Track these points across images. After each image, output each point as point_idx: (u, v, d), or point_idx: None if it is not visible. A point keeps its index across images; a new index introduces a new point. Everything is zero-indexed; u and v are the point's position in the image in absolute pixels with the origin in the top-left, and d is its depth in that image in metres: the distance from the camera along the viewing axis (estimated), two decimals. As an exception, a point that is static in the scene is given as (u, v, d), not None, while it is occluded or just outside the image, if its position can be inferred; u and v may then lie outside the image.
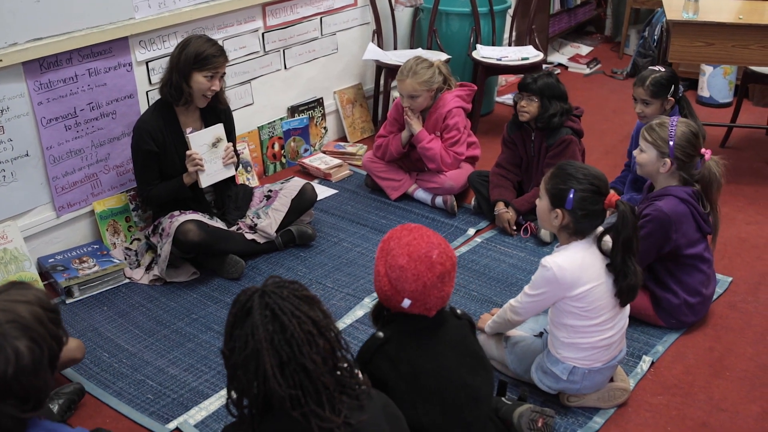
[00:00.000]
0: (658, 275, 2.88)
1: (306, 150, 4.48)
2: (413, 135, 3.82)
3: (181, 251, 3.23)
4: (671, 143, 2.76)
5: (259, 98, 4.18)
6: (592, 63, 6.16)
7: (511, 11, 5.26)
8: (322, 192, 4.02)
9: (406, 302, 1.94)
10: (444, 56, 4.50)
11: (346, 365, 1.66)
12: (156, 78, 3.49)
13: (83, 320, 3.03)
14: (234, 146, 3.41)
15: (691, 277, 2.86)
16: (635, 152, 2.92)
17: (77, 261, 3.25)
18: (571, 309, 2.36)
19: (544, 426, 2.33)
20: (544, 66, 4.72)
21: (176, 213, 3.27)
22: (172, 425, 2.49)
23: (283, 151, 4.37)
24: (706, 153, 2.79)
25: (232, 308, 1.64)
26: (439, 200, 3.88)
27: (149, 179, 3.28)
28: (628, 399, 2.58)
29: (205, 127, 3.33)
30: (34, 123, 3.14)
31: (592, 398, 2.53)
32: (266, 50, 4.13)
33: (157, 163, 3.26)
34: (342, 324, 2.98)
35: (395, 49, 4.83)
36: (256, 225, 3.46)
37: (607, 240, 2.37)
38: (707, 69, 5.22)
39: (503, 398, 2.43)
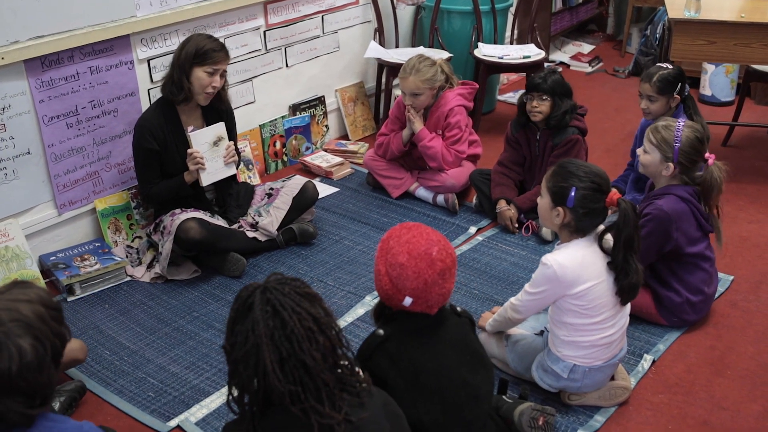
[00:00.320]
0: (660, 274, 2.88)
1: (307, 148, 4.48)
2: (414, 133, 3.82)
3: (182, 249, 3.23)
4: (676, 148, 2.75)
5: (261, 96, 4.19)
6: (593, 61, 6.15)
7: (512, 9, 5.26)
8: (324, 190, 4.02)
9: (408, 300, 1.94)
10: (446, 54, 4.49)
11: (346, 363, 1.67)
12: (158, 76, 3.49)
13: (84, 318, 3.04)
14: (235, 145, 3.41)
15: (693, 275, 2.86)
16: (639, 151, 2.91)
17: (79, 259, 3.26)
18: (572, 307, 2.35)
19: (545, 424, 2.33)
20: (545, 64, 4.71)
21: (178, 211, 3.27)
22: (173, 423, 2.49)
23: (284, 149, 4.37)
24: (710, 158, 2.77)
25: (234, 304, 1.64)
26: (440, 199, 3.88)
27: (150, 177, 3.28)
28: (629, 397, 2.58)
29: (207, 125, 3.33)
30: (36, 121, 3.14)
31: (593, 397, 2.53)
32: (268, 48, 4.13)
33: (158, 162, 3.26)
34: (343, 322, 2.98)
35: (397, 47, 4.83)
36: (257, 223, 3.46)
37: (608, 238, 2.37)
38: (709, 67, 5.22)
39: (504, 396, 2.43)
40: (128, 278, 3.30)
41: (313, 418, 1.56)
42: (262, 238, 3.44)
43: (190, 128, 3.26)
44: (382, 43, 4.68)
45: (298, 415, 1.56)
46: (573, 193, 2.32)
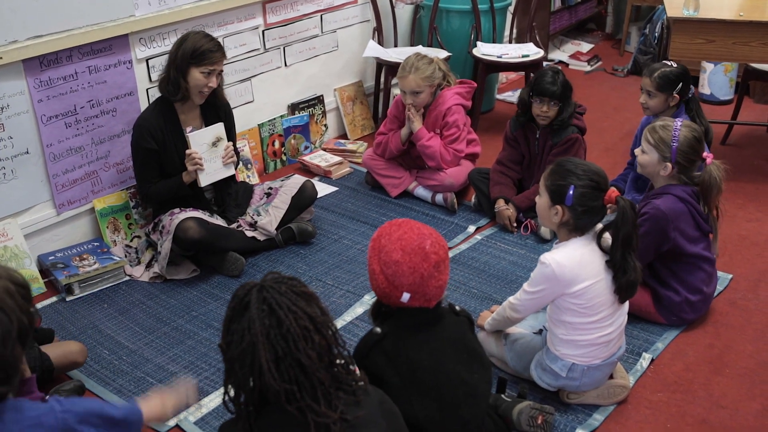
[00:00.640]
0: (659, 273, 2.88)
1: (306, 147, 4.48)
2: (413, 132, 3.82)
3: (181, 248, 3.23)
4: (674, 147, 2.75)
5: (260, 96, 4.18)
6: (592, 60, 6.15)
7: (511, 8, 5.26)
8: (323, 189, 4.02)
9: (406, 296, 1.94)
10: (444, 53, 4.49)
11: (342, 362, 1.67)
12: (156, 75, 3.49)
13: (83, 317, 3.04)
14: (234, 144, 3.41)
15: (692, 275, 2.85)
16: (637, 151, 2.91)
17: (77, 258, 3.26)
18: (570, 306, 2.35)
19: (544, 423, 2.33)
20: (544, 63, 4.71)
21: (176, 210, 3.27)
22: (171, 422, 2.49)
23: (283, 149, 4.37)
24: (708, 157, 2.77)
25: (231, 302, 1.64)
26: (439, 197, 3.88)
27: (149, 177, 3.28)
28: (628, 396, 2.58)
29: (206, 124, 3.33)
30: (35, 120, 3.14)
31: (591, 395, 2.53)
32: (266, 47, 4.13)
33: (156, 161, 3.26)
34: (342, 321, 2.98)
35: (395, 46, 4.83)
36: (256, 222, 3.46)
37: (607, 237, 2.37)
38: (708, 66, 5.22)
39: (503, 395, 2.43)
40: (127, 278, 3.30)
41: (309, 416, 1.56)
42: (261, 238, 3.44)
43: (188, 129, 3.26)
44: (380, 43, 4.68)
45: (294, 414, 1.57)
46: (571, 192, 2.32)
